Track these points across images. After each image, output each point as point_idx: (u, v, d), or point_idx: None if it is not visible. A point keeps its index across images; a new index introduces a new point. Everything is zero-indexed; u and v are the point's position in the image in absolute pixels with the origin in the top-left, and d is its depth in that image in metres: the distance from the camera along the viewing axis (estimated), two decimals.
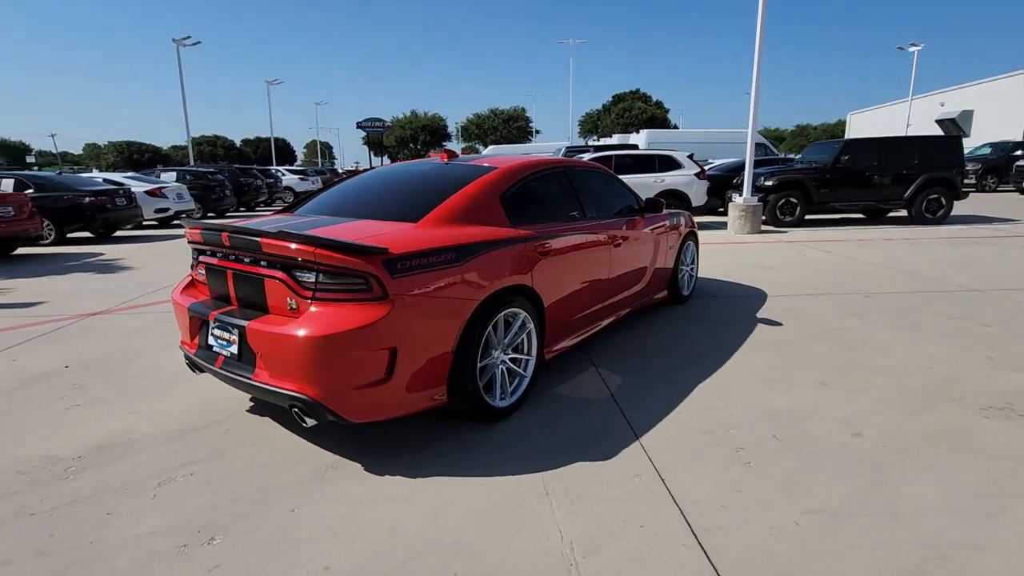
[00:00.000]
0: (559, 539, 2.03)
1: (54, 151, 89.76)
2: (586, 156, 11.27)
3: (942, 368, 3.62)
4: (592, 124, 65.39)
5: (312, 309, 2.33)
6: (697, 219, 13.12)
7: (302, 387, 2.31)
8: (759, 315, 4.89)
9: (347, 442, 2.75)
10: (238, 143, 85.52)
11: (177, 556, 1.96)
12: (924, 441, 2.69)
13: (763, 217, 10.94)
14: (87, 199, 10.20)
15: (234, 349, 2.52)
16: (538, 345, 3.16)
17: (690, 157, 11.34)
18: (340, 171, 43.60)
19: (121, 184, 12.22)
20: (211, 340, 2.65)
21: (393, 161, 79.13)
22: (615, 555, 1.95)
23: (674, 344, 4.17)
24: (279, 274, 2.40)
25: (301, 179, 22.71)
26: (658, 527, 2.09)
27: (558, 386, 3.42)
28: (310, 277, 2.34)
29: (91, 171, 30.52)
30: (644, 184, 10.74)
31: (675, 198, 10.89)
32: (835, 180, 11.14)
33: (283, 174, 22.68)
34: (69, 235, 10.72)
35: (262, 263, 2.46)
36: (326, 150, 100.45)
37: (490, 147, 24.23)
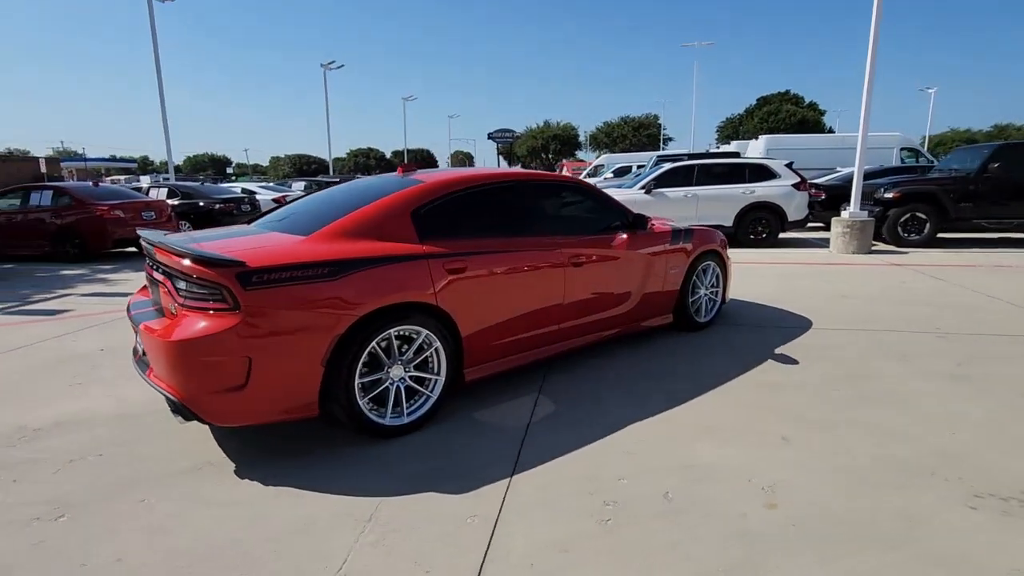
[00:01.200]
0: (335, 570, 1.96)
1: (247, 162, 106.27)
2: (663, 165, 10.61)
3: (962, 437, 2.85)
4: (732, 129, 61.32)
5: (181, 315, 2.51)
6: (798, 235, 11.93)
7: (171, 387, 2.49)
8: (780, 350, 4.24)
9: (249, 441, 2.90)
10: (388, 154, 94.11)
11: (24, 527, 2.23)
12: (853, 529, 2.15)
13: (879, 234, 9.44)
14: (217, 206, 11.89)
15: (140, 347, 2.80)
16: (448, 366, 3.06)
17: (788, 166, 10.15)
18: None
19: (252, 192, 14.06)
20: (136, 340, 2.97)
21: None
22: None
23: (648, 376, 3.78)
24: (167, 281, 2.62)
25: None
26: None
27: (484, 408, 3.28)
28: (182, 285, 2.52)
29: (259, 181, 35.46)
30: (730, 196, 9.86)
31: (768, 211, 9.85)
32: (980, 192, 9.26)
33: None
34: None
35: (159, 270, 2.71)
36: (467, 159, 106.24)
37: (602, 156, 23.86)
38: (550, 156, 70.45)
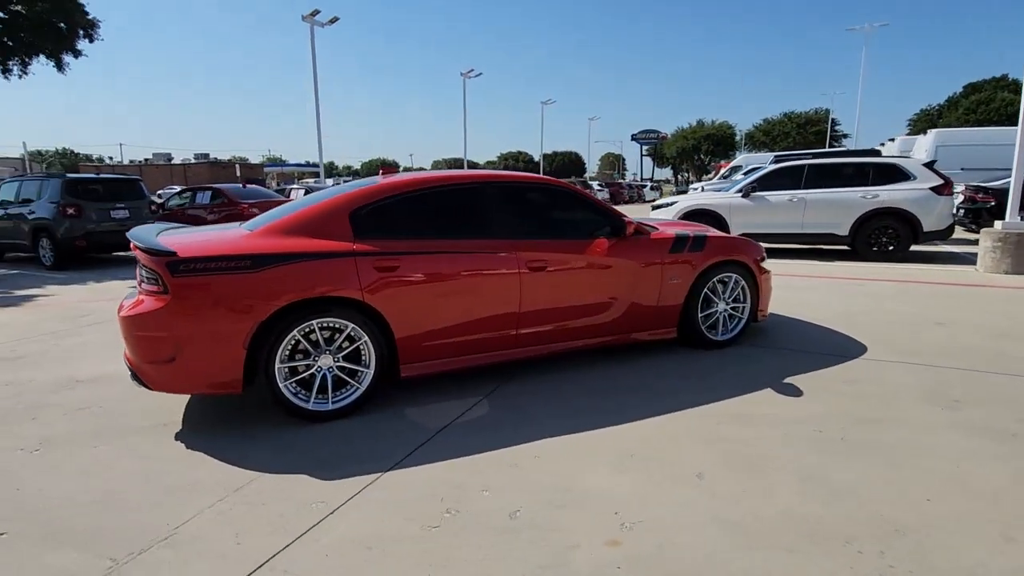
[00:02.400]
0: (172, 528, 2.20)
1: (412, 166, 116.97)
2: (770, 165, 9.49)
3: (939, 508, 2.27)
4: (928, 122, 52.26)
5: (138, 297, 2.97)
6: (947, 248, 9.83)
7: (126, 355, 2.99)
8: (792, 379, 3.67)
9: (208, 412, 3.33)
10: (536, 158, 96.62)
11: (6, 452, 2.83)
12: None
13: None
14: None
15: None
16: (379, 361, 3.19)
17: (928, 165, 8.50)
18: (621, 182, 45.24)
19: None
20: None
21: (675, 173, 77.80)
22: (158, 559, 2.04)
23: (610, 391, 3.53)
24: (137, 268, 3.12)
25: None
26: (240, 551, 2.07)
27: (419, 405, 3.35)
28: (141, 272, 2.99)
29: None
30: (845, 200, 8.57)
31: (895, 219, 8.39)
32: None
33: None
34: None
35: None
36: (617, 162, 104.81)
37: (741, 156, 21.97)
38: (703, 157, 66.63)
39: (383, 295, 3.14)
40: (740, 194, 9.22)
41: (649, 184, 44.63)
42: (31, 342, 4.90)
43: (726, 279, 4.29)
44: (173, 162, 62.76)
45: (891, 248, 8.50)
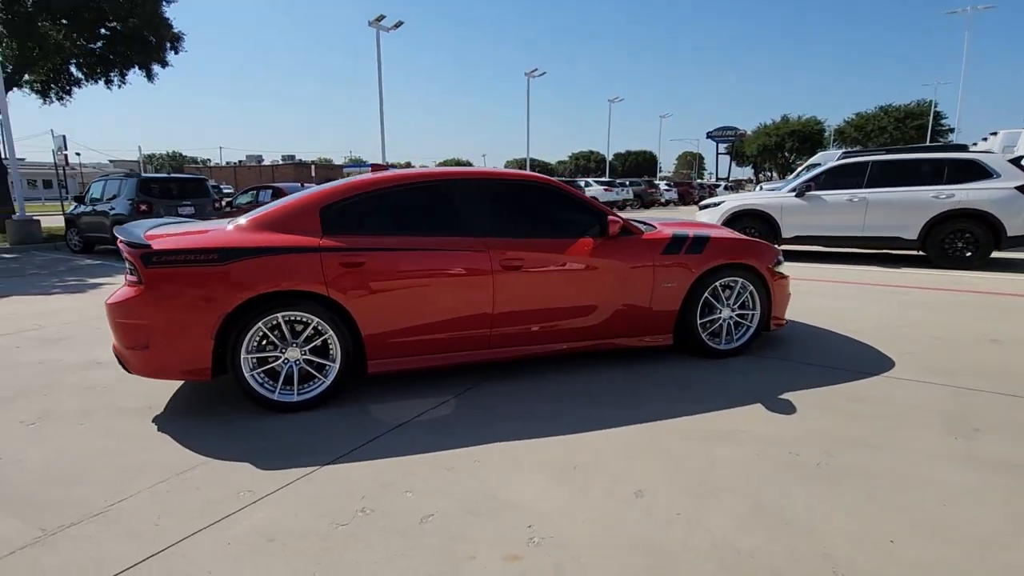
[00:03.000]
0: (108, 505, 2.32)
1: (486, 165, 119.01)
2: (825, 164, 8.71)
3: (900, 551, 1.97)
4: None
5: (123, 286, 3.17)
6: None
7: (113, 340, 3.20)
8: (790, 395, 3.36)
9: (190, 398, 3.50)
10: (610, 157, 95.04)
11: (6, 425, 3.11)
12: None
13: None
14: None
15: None
16: (345, 355, 3.22)
17: (1016, 162, 7.51)
18: (691, 181, 43.60)
19: None
20: None
21: (756, 172, 73.83)
22: (82, 534, 2.15)
23: (577, 400, 3.37)
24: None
25: (606, 190, 24.15)
26: (155, 532, 2.14)
27: (385, 401, 3.36)
28: (126, 263, 3.18)
29: None
30: (914, 201, 7.76)
31: (974, 222, 7.50)
32: None
33: (589, 184, 24.60)
34: None
35: None
36: (695, 161, 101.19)
37: (820, 154, 20.47)
38: (787, 155, 62.84)
39: (348, 291, 3.17)
40: (793, 193, 8.58)
41: (723, 184, 42.65)
42: (78, 325, 5.39)
43: (731, 284, 3.99)
44: (263, 163, 67.42)
45: (968, 254, 7.60)
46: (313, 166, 29.58)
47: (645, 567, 1.91)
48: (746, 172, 78.17)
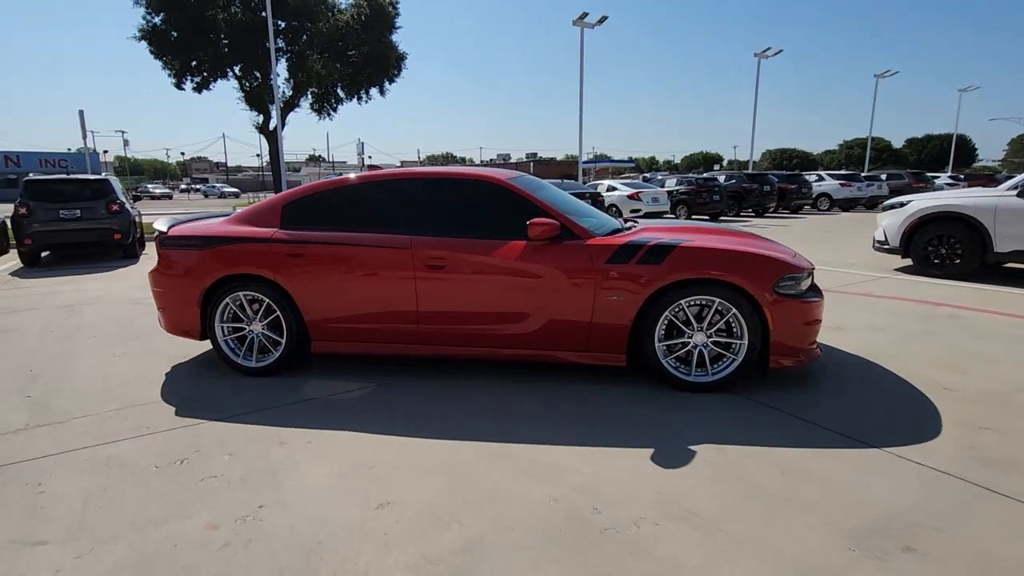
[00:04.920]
0: (61, 452, 3.22)
1: (735, 159, 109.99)
2: None
3: None
4: None
5: None
6: None
7: None
8: (714, 451, 2.70)
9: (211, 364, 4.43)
10: (896, 144, 78.40)
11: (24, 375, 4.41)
12: None
13: None
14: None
15: None
16: (289, 332, 3.71)
17: None
18: (992, 173, 33.55)
19: (615, 189, 15.66)
20: None
21: None
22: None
23: (493, 408, 3.23)
24: None
25: (842, 185, 20.28)
26: (27, 447, 2.91)
27: (325, 378, 3.73)
28: None
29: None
30: None
31: None
32: None
33: (823, 179, 20.94)
34: None
35: None
36: None
37: None
38: None
39: (290, 277, 3.64)
40: (1015, 192, 6.19)
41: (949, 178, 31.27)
42: None
43: (707, 303, 3.29)
44: (510, 160, 74.22)
45: None
46: (537, 162, 31.43)
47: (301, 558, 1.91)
48: None
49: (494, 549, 2.00)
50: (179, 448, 2.82)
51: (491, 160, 76.10)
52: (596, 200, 14.39)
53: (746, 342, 3.27)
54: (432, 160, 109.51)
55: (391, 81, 17.95)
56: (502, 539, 2.05)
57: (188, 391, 3.61)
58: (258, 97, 16.78)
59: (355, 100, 18.74)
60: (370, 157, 55.00)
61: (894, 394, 3.31)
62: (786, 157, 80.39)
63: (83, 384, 3.76)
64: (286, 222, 3.77)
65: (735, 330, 3.30)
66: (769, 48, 24.70)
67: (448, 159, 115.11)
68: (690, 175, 19.69)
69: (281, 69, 15.67)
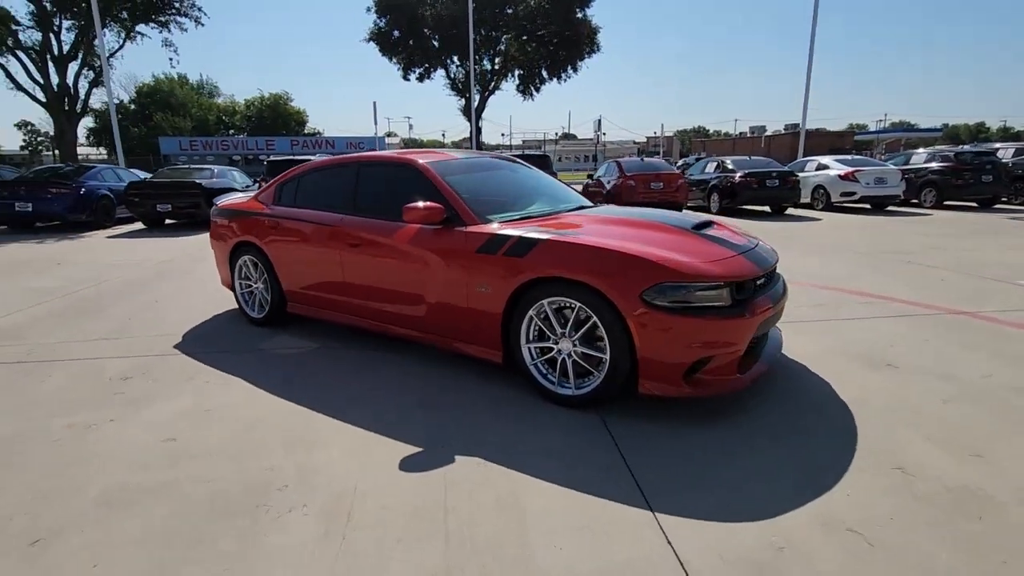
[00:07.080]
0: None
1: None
2: None
3: None
4: None
5: None
6: None
7: None
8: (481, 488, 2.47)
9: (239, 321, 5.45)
10: None
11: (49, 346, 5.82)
12: None
13: None
14: (739, 180, 12.39)
15: None
16: (272, 293, 4.41)
17: None
18: None
19: (825, 167, 13.24)
20: None
21: None
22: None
23: (399, 397, 3.42)
24: None
25: None
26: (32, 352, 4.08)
27: (289, 334, 4.33)
28: None
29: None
30: None
31: None
32: None
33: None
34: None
35: None
36: None
37: None
38: None
39: (270, 245, 4.31)
40: None
41: None
42: None
43: (569, 306, 2.85)
44: (766, 133, 66.22)
45: None
46: (798, 134, 27.36)
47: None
48: None
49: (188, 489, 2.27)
50: (139, 368, 3.71)
51: (741, 133, 69.02)
52: (786, 180, 12.41)
53: (609, 357, 2.75)
54: (682, 135, 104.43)
55: (581, 58, 17.95)
56: (194, 489, 2.31)
57: (205, 330, 4.60)
58: (464, 83, 18.64)
59: (555, 80, 19.36)
60: (604, 134, 55.39)
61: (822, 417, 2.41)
62: None
63: (163, 315, 5.08)
64: (276, 200, 4.44)
65: (600, 343, 2.80)
66: None
67: (699, 132, 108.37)
68: (945, 148, 15.01)
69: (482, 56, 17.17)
